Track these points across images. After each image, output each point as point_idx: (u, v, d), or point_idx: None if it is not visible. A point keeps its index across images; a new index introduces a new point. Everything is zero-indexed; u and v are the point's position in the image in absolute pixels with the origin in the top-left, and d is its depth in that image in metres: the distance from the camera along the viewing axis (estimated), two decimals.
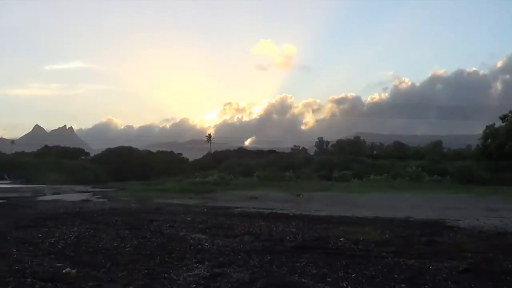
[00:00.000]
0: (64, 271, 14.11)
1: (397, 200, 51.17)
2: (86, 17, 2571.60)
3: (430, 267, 14.95)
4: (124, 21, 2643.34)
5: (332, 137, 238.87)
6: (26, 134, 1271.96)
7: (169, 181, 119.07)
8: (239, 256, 16.61)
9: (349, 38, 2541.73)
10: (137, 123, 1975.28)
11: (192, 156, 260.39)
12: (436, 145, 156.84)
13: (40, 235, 22.17)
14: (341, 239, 20.54)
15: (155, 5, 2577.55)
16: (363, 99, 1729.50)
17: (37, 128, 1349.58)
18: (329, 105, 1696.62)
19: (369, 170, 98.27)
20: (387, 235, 22.08)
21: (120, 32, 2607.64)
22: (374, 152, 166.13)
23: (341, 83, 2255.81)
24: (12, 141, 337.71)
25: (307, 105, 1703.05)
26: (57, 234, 22.28)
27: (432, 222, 29.35)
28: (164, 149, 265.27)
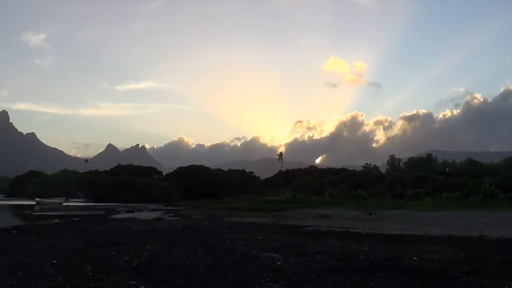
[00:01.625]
0: None
1: (470, 218, 50.26)
2: (157, 38, 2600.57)
3: (506, 287, 14.63)
4: (196, 42, 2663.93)
5: (403, 154, 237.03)
6: (99, 153, 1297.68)
7: (240, 200, 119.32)
8: (313, 275, 16.49)
9: (420, 54, 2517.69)
10: (208, 142, 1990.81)
11: (263, 174, 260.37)
12: (510, 162, 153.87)
13: (114, 252, 22.45)
14: (414, 258, 20.27)
15: (225, 26, 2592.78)
16: (435, 115, 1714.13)
17: (110, 147, 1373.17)
18: (400, 122, 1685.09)
19: (442, 188, 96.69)
20: (461, 254, 21.69)
21: (190, 52, 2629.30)
22: (447, 169, 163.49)
23: (412, 100, 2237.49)
24: (86, 160, 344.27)
25: (378, 123, 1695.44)
26: (131, 252, 22.53)
27: (507, 240, 28.75)
28: (236, 168, 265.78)
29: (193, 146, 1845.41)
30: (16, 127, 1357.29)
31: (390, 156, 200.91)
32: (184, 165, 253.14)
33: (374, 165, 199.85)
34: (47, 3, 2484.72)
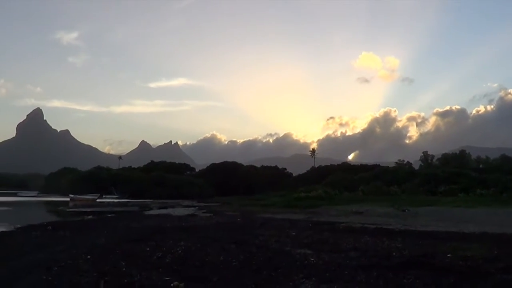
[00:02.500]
0: (172, 284, 14.33)
1: (505, 215, 49.69)
2: (189, 35, 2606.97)
3: None
4: (226, 39, 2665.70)
5: (437, 150, 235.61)
6: (132, 150, 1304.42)
7: (273, 196, 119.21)
8: (346, 272, 16.47)
9: (453, 49, 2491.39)
10: (240, 138, 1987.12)
11: (296, 170, 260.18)
12: None
13: (148, 248, 22.57)
14: (448, 255, 20.10)
15: (257, 23, 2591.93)
16: (468, 111, 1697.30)
17: (143, 144, 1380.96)
18: (433, 118, 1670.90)
19: (476, 185, 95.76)
20: (495, 251, 21.44)
21: (222, 49, 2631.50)
22: (480, 165, 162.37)
23: (445, 95, 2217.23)
24: (119, 157, 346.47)
25: (411, 119, 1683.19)
26: (164, 248, 22.62)
27: None
28: (268, 164, 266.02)
29: (226, 142, 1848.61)
30: (50, 124, 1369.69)
31: (423, 153, 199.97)
32: (217, 161, 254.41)
33: (407, 162, 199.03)
34: (80, 1, 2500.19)
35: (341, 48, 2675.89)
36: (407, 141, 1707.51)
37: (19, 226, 38.36)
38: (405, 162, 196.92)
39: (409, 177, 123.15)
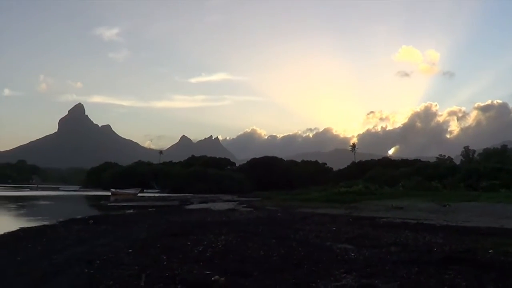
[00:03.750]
0: (213, 278, 14.36)
1: None
2: (229, 30, 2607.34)
3: None
4: (267, 34, 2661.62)
5: (478, 145, 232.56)
6: (173, 145, 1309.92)
7: (313, 191, 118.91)
8: (387, 267, 16.37)
9: (495, 41, 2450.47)
10: (280, 133, 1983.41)
11: (336, 165, 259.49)
12: None
13: (188, 243, 22.67)
14: (490, 251, 19.86)
15: (296, 17, 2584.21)
16: (510, 106, 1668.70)
17: (184, 138, 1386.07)
18: (474, 113, 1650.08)
19: None
20: None
21: (263, 44, 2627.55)
22: None
23: (486, 89, 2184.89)
24: (160, 151, 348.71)
25: (451, 113, 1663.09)
26: (205, 242, 22.70)
27: None
28: (308, 159, 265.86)
29: (266, 137, 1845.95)
30: (91, 119, 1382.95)
31: (464, 147, 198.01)
32: (257, 156, 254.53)
33: (448, 157, 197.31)
34: None
35: (381, 42, 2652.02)
36: (448, 136, 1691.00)
37: (61, 219, 38.86)
38: (446, 157, 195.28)
39: (450, 172, 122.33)
